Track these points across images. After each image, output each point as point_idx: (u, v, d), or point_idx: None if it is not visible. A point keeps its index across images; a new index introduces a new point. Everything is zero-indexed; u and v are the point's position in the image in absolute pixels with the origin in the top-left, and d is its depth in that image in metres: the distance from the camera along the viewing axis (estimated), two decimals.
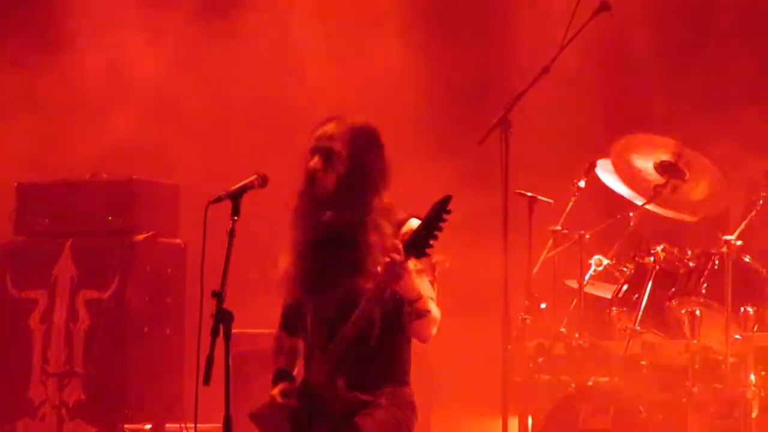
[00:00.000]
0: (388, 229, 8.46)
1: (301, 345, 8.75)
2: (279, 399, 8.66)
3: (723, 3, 13.19)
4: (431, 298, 8.42)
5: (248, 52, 14.31)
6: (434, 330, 8.49)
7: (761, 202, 10.78)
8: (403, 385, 8.59)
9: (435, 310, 8.39)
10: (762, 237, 10.96)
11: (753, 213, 10.83)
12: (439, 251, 8.27)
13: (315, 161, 8.49)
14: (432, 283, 8.47)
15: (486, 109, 11.11)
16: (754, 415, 10.59)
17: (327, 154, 8.52)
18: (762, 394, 10.69)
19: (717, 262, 10.82)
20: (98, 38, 14.59)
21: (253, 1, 14.57)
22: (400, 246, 8.03)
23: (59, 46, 14.28)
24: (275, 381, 8.71)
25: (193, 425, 9.21)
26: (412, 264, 8.14)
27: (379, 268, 8.15)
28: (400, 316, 8.36)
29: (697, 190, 11.13)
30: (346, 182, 8.50)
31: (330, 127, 8.59)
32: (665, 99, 12.12)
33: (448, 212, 7.99)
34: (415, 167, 10.22)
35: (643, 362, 10.92)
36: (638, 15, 12.77)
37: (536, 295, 11.22)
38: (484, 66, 13.08)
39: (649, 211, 11.20)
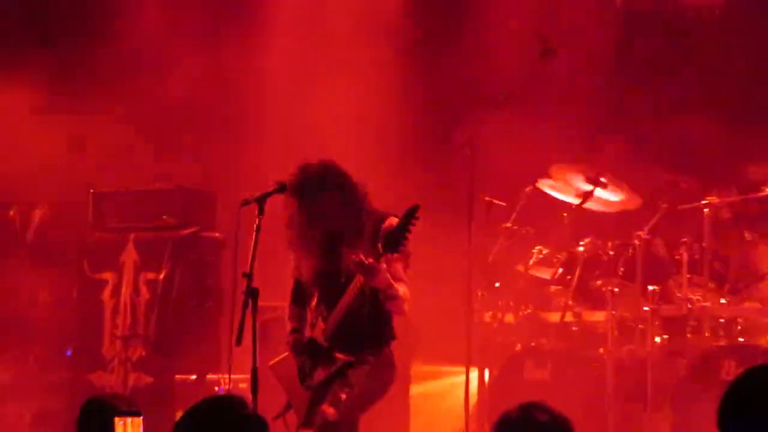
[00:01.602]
0: (368, 229, 8.93)
1: (306, 314, 9.17)
2: (291, 349, 9.16)
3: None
4: (403, 281, 8.85)
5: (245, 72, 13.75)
6: (405, 305, 8.89)
7: (665, 205, 10.91)
8: (385, 347, 9.02)
9: (404, 291, 8.81)
10: (666, 231, 11.08)
11: (658, 215, 10.99)
12: (414, 244, 8.71)
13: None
14: (404, 268, 8.90)
15: (454, 127, 11.57)
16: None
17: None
18: (664, 353, 10.85)
19: (631, 251, 11.01)
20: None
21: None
22: (380, 249, 8.53)
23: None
24: (289, 335, 9.21)
25: (228, 375, 9.84)
26: (388, 261, 8.66)
27: (359, 260, 8.61)
28: (377, 299, 8.81)
29: (615, 195, 11.30)
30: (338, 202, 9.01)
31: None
32: (593, 122, 12.07)
33: (417, 218, 8.40)
34: (393, 176, 10.33)
35: (574, 328, 11.21)
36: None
37: (492, 278, 11.40)
38: (453, 87, 12.87)
39: (579, 211, 11.32)
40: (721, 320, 10.81)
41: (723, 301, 10.88)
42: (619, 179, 11.23)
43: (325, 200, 9.01)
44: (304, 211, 9.05)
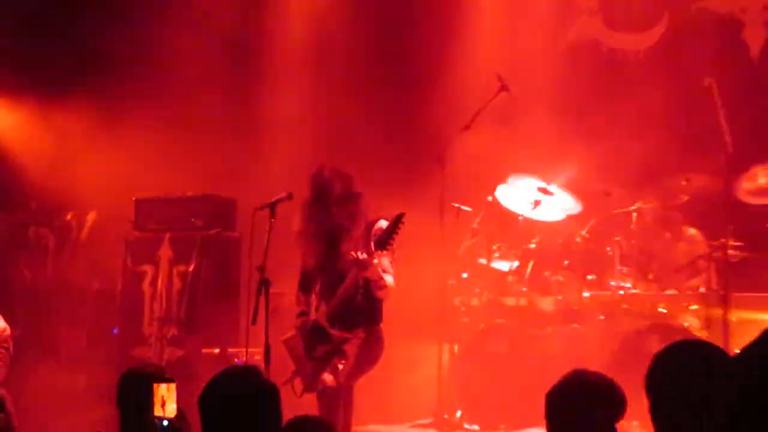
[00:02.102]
0: (362, 230, 8.98)
1: (311, 299, 9.23)
2: (299, 328, 9.17)
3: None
4: (389, 272, 8.96)
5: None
6: (390, 294, 9.03)
7: (601, 210, 10.98)
8: (375, 326, 9.12)
9: (390, 282, 8.95)
10: (603, 230, 11.07)
11: (596, 218, 11.10)
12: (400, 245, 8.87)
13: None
14: (391, 263, 9.01)
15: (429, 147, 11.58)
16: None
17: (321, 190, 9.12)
18: (600, 331, 10.78)
19: (574, 247, 11.03)
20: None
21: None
22: (372, 247, 8.68)
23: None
24: (297, 317, 9.23)
25: (245, 349, 9.84)
26: (378, 256, 8.78)
27: (355, 256, 8.77)
28: (369, 288, 8.89)
29: (560, 201, 11.20)
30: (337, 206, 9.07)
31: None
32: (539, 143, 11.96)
33: (403, 223, 8.57)
34: (383, 186, 10.30)
35: (527, 310, 11.13)
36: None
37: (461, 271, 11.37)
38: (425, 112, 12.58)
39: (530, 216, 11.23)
40: (647, 303, 10.81)
41: (648, 288, 10.89)
42: (564, 190, 11.18)
43: (332, 202, 9.07)
44: (315, 210, 9.10)
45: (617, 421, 4.71)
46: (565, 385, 4.89)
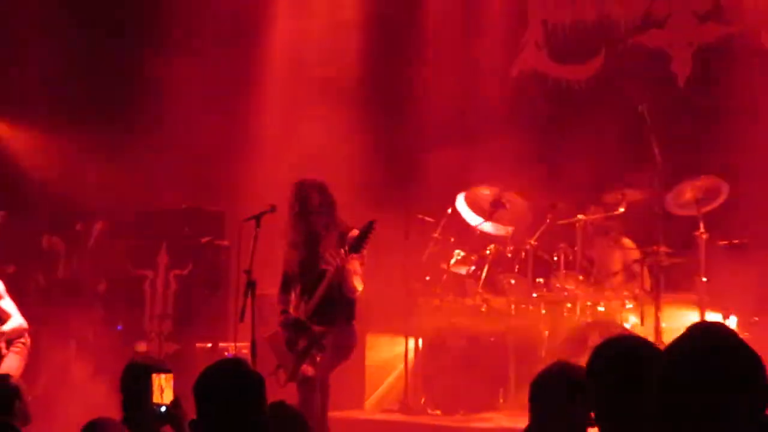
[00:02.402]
0: (337, 236, 8.99)
1: (291, 299, 9.19)
2: (281, 324, 9.15)
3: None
4: (359, 275, 8.94)
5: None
6: (358, 293, 9.03)
7: (548, 220, 10.94)
8: (350, 321, 9.11)
9: (358, 283, 8.95)
10: (549, 239, 11.04)
11: (543, 227, 11.02)
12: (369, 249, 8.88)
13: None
14: (361, 265, 8.96)
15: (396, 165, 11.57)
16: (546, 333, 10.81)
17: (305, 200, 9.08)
18: (548, 326, 10.84)
19: (523, 254, 11.02)
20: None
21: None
22: (345, 251, 8.70)
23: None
24: (280, 315, 9.20)
25: (234, 344, 9.82)
26: (351, 259, 8.79)
27: (330, 260, 8.81)
28: (343, 289, 8.90)
29: (512, 213, 11.25)
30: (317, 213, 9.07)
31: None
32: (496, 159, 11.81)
33: (373, 229, 8.62)
34: (355, 198, 10.30)
35: (483, 309, 11.11)
36: None
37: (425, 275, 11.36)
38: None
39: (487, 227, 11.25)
40: (588, 303, 10.80)
41: (589, 289, 10.86)
42: (515, 202, 11.21)
43: (312, 210, 9.05)
44: (296, 219, 9.12)
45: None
46: (548, 374, 4.90)
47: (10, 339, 9.50)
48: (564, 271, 10.92)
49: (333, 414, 9.41)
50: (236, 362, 5.01)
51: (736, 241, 10.42)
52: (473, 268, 11.28)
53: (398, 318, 11.03)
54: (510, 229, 11.32)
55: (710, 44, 12.02)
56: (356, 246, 8.78)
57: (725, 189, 10.26)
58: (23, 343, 9.62)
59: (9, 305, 9.61)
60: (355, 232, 8.89)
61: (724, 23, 11.95)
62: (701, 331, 3.00)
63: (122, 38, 13.77)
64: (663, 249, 10.40)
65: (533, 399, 5.10)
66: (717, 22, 11.98)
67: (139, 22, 13.70)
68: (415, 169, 10.86)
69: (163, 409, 5.78)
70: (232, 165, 13.30)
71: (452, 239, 11.42)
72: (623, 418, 4.01)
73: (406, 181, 10.93)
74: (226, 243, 12.35)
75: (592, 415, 4.24)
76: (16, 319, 9.58)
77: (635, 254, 10.94)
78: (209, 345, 11.82)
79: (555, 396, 5.02)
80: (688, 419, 2.80)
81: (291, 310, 9.21)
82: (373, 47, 13.04)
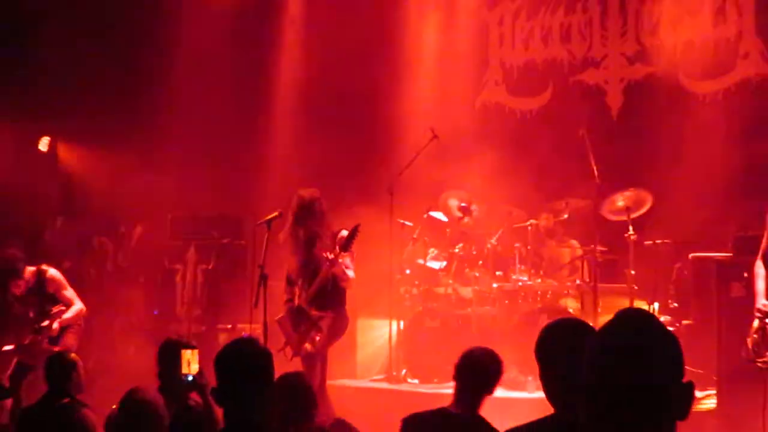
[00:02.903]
0: (329, 238, 9.02)
1: (295, 290, 9.15)
2: (287, 311, 9.15)
3: None
4: (351, 268, 8.97)
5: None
6: (352, 284, 9.05)
7: (501, 229, 10.99)
8: (342, 307, 9.13)
9: (352, 275, 8.97)
10: (507, 239, 11.03)
11: (501, 230, 11.05)
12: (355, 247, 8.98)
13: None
14: (352, 260, 9.00)
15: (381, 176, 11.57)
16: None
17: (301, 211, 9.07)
18: (505, 312, 10.79)
19: (486, 251, 10.99)
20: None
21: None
22: (336, 249, 8.69)
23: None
24: (285, 303, 9.20)
25: (249, 325, 9.80)
26: (342, 257, 8.82)
27: (325, 256, 8.81)
28: (336, 280, 8.89)
29: (478, 218, 11.23)
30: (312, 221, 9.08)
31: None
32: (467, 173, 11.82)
33: (359, 231, 8.70)
34: (348, 206, 10.30)
35: (453, 297, 11.13)
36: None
37: (406, 268, 11.34)
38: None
39: (457, 228, 11.26)
40: (538, 292, 10.78)
41: (539, 281, 10.83)
42: (480, 209, 11.21)
43: (308, 217, 9.03)
44: (296, 223, 9.13)
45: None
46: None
47: (70, 324, 9.52)
48: (519, 266, 10.89)
49: (330, 382, 9.41)
50: (250, 340, 4.99)
51: (659, 241, 10.46)
52: (444, 263, 11.27)
53: (383, 304, 10.96)
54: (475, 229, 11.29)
55: (637, 81, 12.05)
56: (346, 245, 8.84)
57: (649, 199, 10.27)
58: (78, 325, 9.63)
59: (71, 294, 9.63)
60: (344, 234, 8.91)
61: (649, 64, 11.97)
62: (628, 314, 2.99)
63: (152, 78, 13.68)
64: (599, 248, 10.42)
65: (457, 375, 5.80)
66: (643, 64, 12.01)
67: (163, 52, 13.58)
68: (397, 181, 10.78)
69: (190, 378, 5.79)
70: (248, 178, 13.21)
71: (427, 239, 11.40)
72: (565, 385, 4.01)
73: (390, 191, 10.82)
74: (243, 243, 12.35)
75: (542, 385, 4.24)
76: (77, 306, 9.60)
77: (577, 252, 10.96)
78: (229, 326, 11.79)
79: (479, 376, 5.71)
80: (615, 389, 2.79)
81: (294, 299, 9.18)
82: (366, 85, 12.94)
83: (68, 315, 9.48)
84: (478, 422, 5.69)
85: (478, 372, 5.91)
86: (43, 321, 9.41)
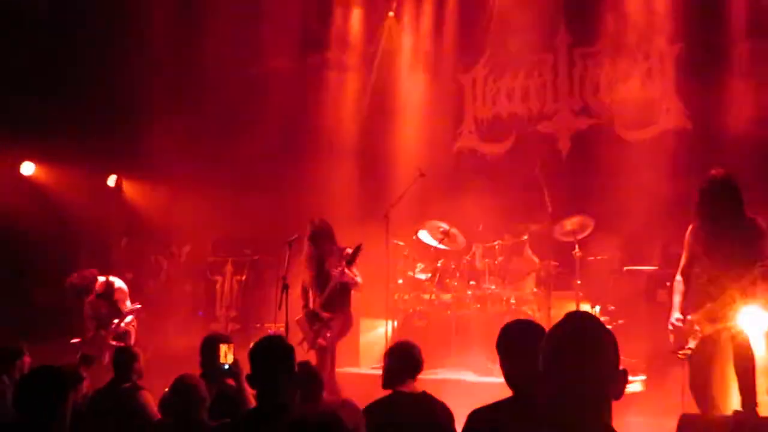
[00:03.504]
0: (337, 255, 8.98)
1: (309, 296, 9.14)
2: (304, 313, 9.10)
3: None
4: (358, 276, 8.92)
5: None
6: (361, 287, 9.03)
7: (474, 248, 11.02)
8: (347, 309, 9.11)
9: (360, 281, 8.92)
10: (479, 255, 11.01)
11: (475, 248, 11.07)
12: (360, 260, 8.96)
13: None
14: (357, 271, 8.97)
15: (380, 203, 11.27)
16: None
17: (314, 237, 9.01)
18: (478, 313, 10.73)
19: (463, 265, 11.02)
20: None
21: None
22: (344, 263, 8.64)
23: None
24: (302, 308, 9.16)
25: (274, 324, 9.79)
26: (348, 269, 8.78)
27: (334, 271, 8.79)
28: (345, 286, 8.84)
29: (455, 237, 11.12)
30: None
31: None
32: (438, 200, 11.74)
33: (361, 249, 8.68)
34: (352, 229, 10.25)
35: (436, 302, 11.04)
36: None
37: (399, 279, 11.32)
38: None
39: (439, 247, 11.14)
40: (504, 298, 10.75)
41: (505, 289, 10.82)
42: (458, 233, 11.13)
43: (319, 239, 9.03)
44: (311, 245, 9.12)
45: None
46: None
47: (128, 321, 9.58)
48: (489, 277, 10.86)
49: (338, 370, 9.40)
50: (276, 337, 5.01)
51: (599, 257, 10.45)
52: (429, 275, 11.23)
53: (381, 307, 10.85)
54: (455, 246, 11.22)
55: (582, 130, 12.03)
56: (351, 260, 8.86)
57: (591, 224, 10.25)
58: (133, 326, 9.67)
59: (129, 302, 9.71)
60: (349, 251, 8.92)
61: (591, 117, 11.98)
62: (574, 315, 3.00)
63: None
64: (553, 262, 10.44)
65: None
66: (586, 116, 12.01)
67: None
68: (392, 210, 10.71)
69: (226, 367, 5.78)
70: (274, 206, 12.89)
71: (415, 256, 11.38)
72: (519, 372, 4.01)
73: (386, 217, 10.75)
74: (270, 258, 12.27)
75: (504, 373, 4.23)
76: (133, 308, 9.63)
77: (535, 265, 10.90)
78: (258, 325, 11.74)
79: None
80: (564, 375, 2.80)
81: (309, 304, 9.19)
82: (368, 131, 12.96)
83: (129, 318, 9.54)
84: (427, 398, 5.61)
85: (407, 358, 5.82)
86: (110, 321, 9.45)
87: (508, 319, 4.53)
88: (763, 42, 10.44)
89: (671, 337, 7.10)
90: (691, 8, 10.94)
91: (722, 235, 6.80)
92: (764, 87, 10.12)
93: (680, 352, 7.04)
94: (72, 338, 9.39)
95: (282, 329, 8.95)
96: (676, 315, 7.05)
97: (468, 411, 4.30)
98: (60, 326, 10.31)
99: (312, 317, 9.08)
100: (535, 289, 10.71)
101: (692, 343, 6.87)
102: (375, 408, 5.47)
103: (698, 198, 6.92)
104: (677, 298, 7.13)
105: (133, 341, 9.46)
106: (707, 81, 10.66)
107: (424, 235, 11.28)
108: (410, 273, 11.32)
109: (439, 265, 11.16)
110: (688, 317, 6.94)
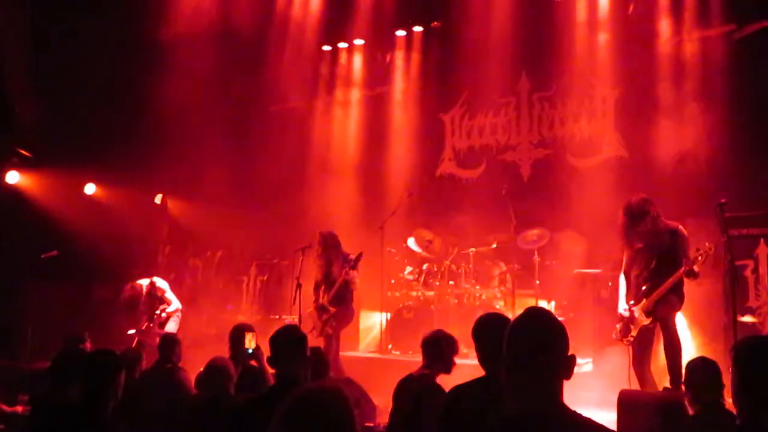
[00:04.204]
0: (341, 261, 8.91)
1: (319, 293, 9.08)
2: (315, 307, 9.03)
3: None
4: (356, 278, 8.88)
5: None
6: (357, 286, 8.96)
7: (453, 254, 10.97)
8: (350, 304, 9.02)
9: (357, 281, 8.88)
10: (457, 260, 10.88)
11: (453, 255, 10.96)
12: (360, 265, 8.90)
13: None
14: (356, 274, 8.93)
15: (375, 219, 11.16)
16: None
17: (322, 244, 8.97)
18: (456, 309, 10.56)
19: (444, 268, 10.85)
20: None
21: None
22: (347, 267, 8.57)
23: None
24: (314, 303, 9.08)
25: (289, 315, 9.72)
26: (351, 272, 8.72)
27: (339, 274, 8.71)
28: (348, 285, 8.79)
29: (438, 245, 11.15)
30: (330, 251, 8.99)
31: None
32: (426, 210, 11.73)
33: (362, 256, 8.60)
34: (354, 239, 10.20)
35: (422, 298, 10.97)
36: None
37: (392, 279, 11.26)
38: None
39: (423, 254, 11.15)
40: (477, 295, 10.72)
41: (478, 287, 10.75)
42: (439, 241, 11.08)
43: (327, 247, 9.00)
44: (321, 252, 9.07)
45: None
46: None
47: (171, 315, 9.54)
48: (465, 278, 10.82)
49: (342, 354, 9.32)
50: (292, 326, 4.98)
51: (554, 262, 10.41)
52: (417, 275, 11.17)
53: (377, 302, 10.87)
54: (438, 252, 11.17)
55: (540, 159, 11.98)
56: (353, 265, 8.82)
57: (548, 235, 10.26)
58: (178, 317, 9.64)
59: (172, 296, 9.69)
60: (352, 257, 8.89)
61: (547, 148, 11.93)
62: (533, 309, 3.01)
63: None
64: (517, 266, 10.40)
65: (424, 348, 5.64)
66: (543, 147, 11.98)
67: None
68: (386, 222, 10.69)
69: (250, 351, 5.76)
70: (289, 219, 12.67)
71: (405, 260, 11.33)
72: (490, 355, 4.01)
73: (381, 228, 10.74)
74: (287, 262, 12.14)
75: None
76: (176, 304, 9.63)
77: (503, 269, 10.85)
78: (276, 316, 11.65)
79: (443, 348, 5.70)
80: (522, 358, 2.81)
81: (318, 300, 9.13)
82: (366, 157, 12.88)
83: (171, 309, 9.55)
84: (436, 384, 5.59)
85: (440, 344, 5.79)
86: (155, 313, 9.44)
87: (480, 312, 4.55)
88: (686, 86, 10.47)
89: (618, 326, 7.20)
90: (628, 60, 11.00)
91: (645, 247, 7.06)
92: (684, 123, 10.17)
93: (624, 339, 7.14)
94: (128, 329, 9.37)
95: (296, 320, 8.93)
96: (623, 306, 7.19)
97: (449, 387, 4.36)
98: (117, 318, 10.23)
99: (321, 310, 9.07)
100: (502, 288, 10.67)
101: (634, 332, 7.06)
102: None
103: (623, 218, 7.19)
104: (622, 292, 7.28)
105: (175, 330, 9.45)
106: (640, 119, 10.71)
107: (412, 243, 11.24)
108: (401, 274, 11.27)
109: (424, 268, 11.12)
110: (633, 309, 7.08)
